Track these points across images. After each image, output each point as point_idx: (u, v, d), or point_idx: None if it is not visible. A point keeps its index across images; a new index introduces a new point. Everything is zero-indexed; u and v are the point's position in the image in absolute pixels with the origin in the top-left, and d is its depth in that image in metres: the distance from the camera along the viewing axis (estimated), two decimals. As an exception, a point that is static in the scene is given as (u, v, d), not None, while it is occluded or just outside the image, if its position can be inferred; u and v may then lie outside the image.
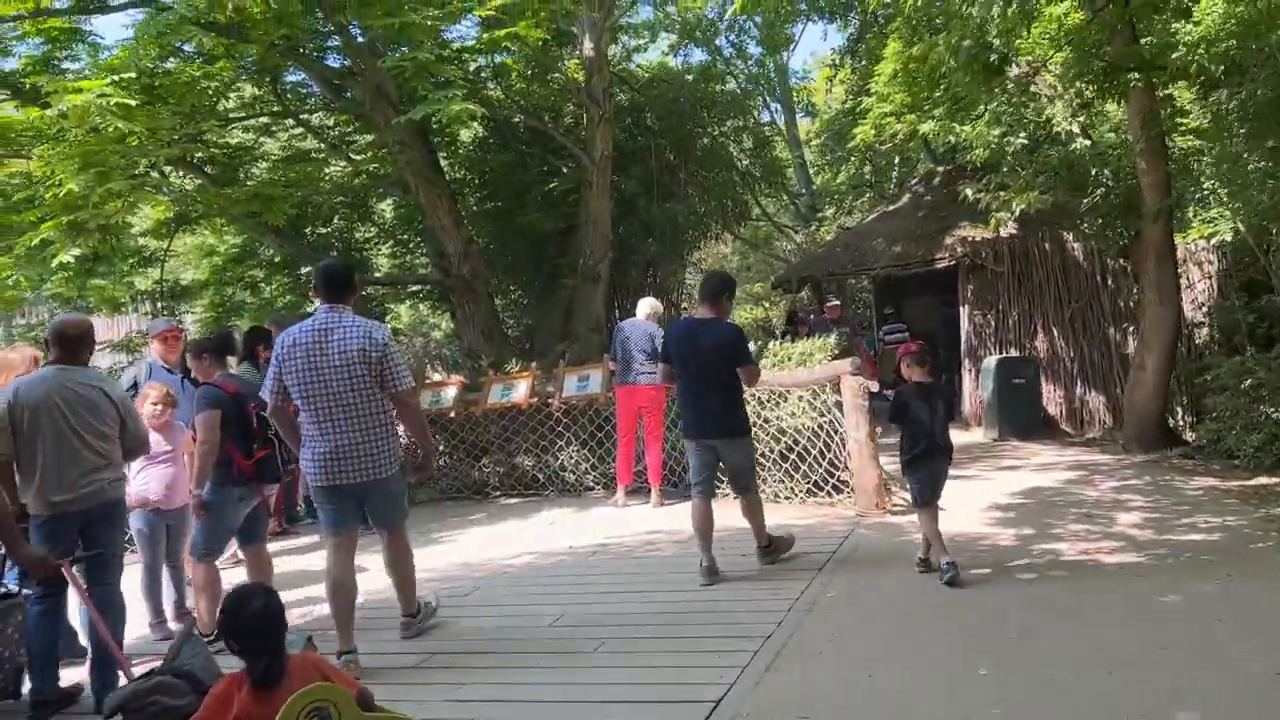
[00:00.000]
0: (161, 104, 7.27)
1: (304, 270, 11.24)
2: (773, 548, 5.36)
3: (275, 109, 10.93)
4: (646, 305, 7.61)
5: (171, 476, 5.06)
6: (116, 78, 5.91)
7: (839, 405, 6.50)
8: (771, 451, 6.95)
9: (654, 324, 7.53)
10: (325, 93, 10.73)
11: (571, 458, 8.15)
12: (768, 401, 7.01)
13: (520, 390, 8.15)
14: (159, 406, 5.15)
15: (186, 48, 8.84)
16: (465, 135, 12.79)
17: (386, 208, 12.94)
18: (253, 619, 2.68)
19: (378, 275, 11.96)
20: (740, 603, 4.68)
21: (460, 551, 6.43)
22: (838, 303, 10.82)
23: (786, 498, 6.94)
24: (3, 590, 4.23)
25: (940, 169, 13.75)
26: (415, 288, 11.99)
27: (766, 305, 22.07)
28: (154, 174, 7.36)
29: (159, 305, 11.61)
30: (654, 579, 5.28)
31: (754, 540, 5.35)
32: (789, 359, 7.27)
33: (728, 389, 5.16)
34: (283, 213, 8.03)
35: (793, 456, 6.86)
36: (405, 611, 4.62)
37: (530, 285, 12.42)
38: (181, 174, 9.88)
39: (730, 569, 5.24)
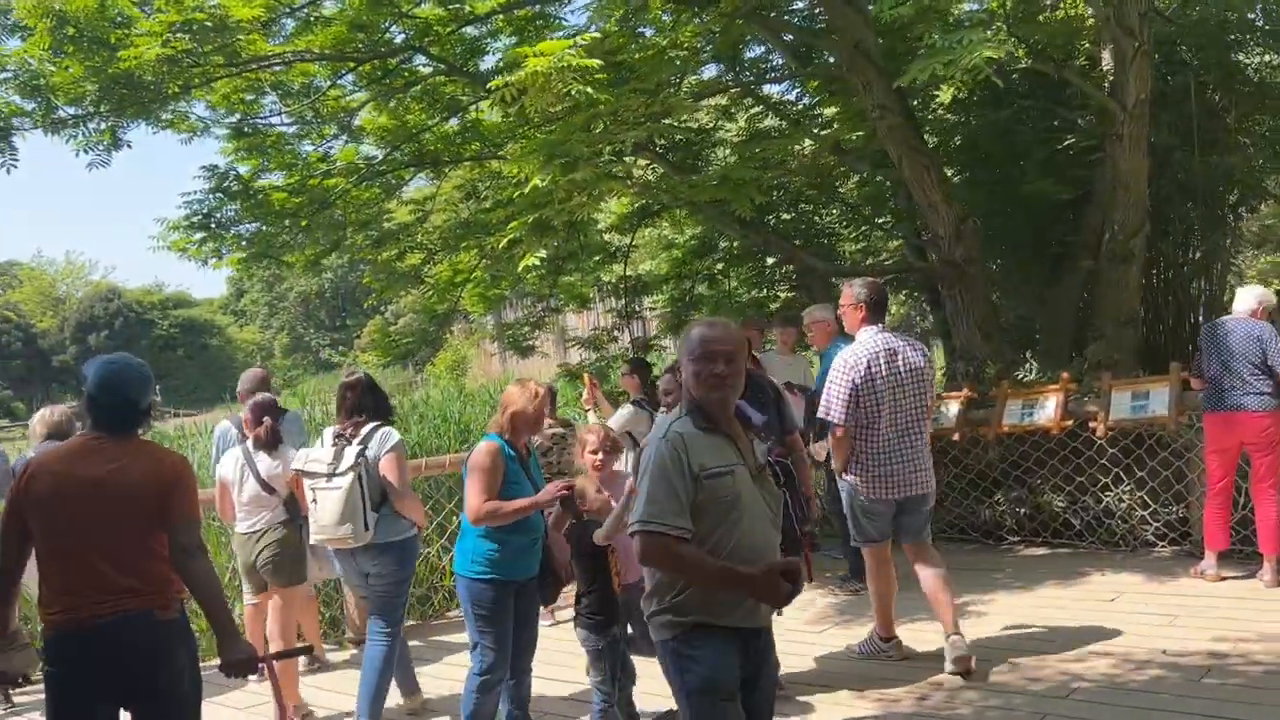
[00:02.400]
0: (624, 85, 6.49)
1: (769, 262, 10.21)
2: None
3: (734, 88, 10.02)
4: (1251, 296, 5.42)
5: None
6: (580, 40, 5.10)
7: None
8: None
9: (1264, 323, 5.31)
10: (790, 62, 9.60)
11: (1122, 500, 6.15)
12: None
13: (1048, 409, 6.29)
14: (599, 454, 4.16)
15: (647, 32, 8.17)
16: (944, 96, 11.03)
17: (849, 189, 11.55)
18: None
19: (860, 265, 10.61)
20: None
21: (985, 634, 4.82)
22: None
23: None
24: None
25: None
26: (887, 277, 10.43)
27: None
28: (618, 163, 6.62)
29: (623, 302, 11.29)
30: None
31: None
32: None
33: None
34: (751, 199, 6.92)
35: None
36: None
37: (1026, 270, 10.31)
38: (644, 164, 9.28)
39: None
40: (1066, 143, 8.80)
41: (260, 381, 5.49)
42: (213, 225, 9.08)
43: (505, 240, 6.28)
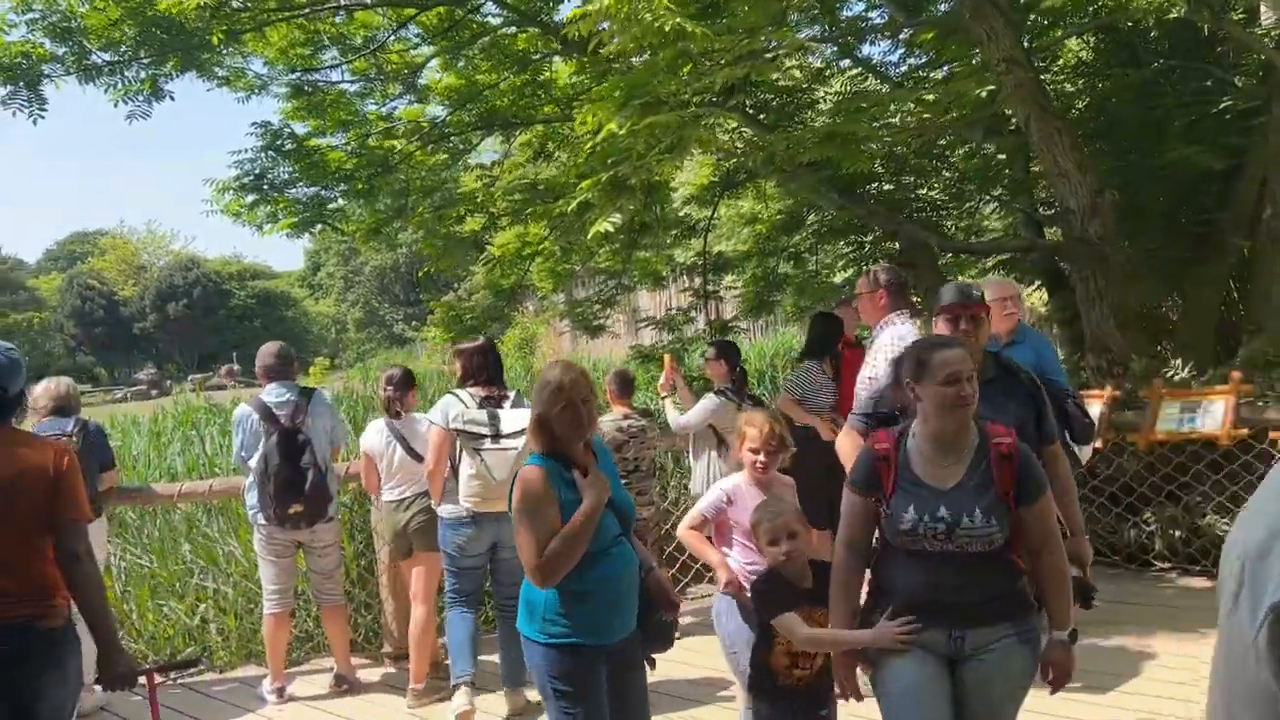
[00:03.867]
0: (714, 26, 5.61)
1: (867, 239, 9.23)
2: None
3: (837, 38, 9.05)
4: None
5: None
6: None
7: None
8: None
9: None
10: (896, 15, 8.60)
11: (1305, 527, 5.10)
12: None
13: (1214, 414, 5.28)
14: (761, 454, 3.26)
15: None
16: (1068, 56, 9.90)
17: (958, 159, 10.49)
18: None
19: (970, 242, 9.55)
20: None
21: (1152, 693, 3.88)
22: None
23: None
24: None
25: None
26: (1001, 257, 9.38)
27: None
28: (707, 114, 5.74)
29: (703, 279, 10.44)
30: None
31: None
32: None
33: None
34: (864, 159, 6.01)
35: None
36: None
37: (1159, 251, 9.17)
38: (731, 126, 8.40)
39: None
40: (1223, 105, 7.65)
41: (284, 359, 4.78)
42: (265, 187, 8.47)
43: (575, 203, 5.45)
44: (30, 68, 6.49)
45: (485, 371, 4.46)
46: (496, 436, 4.24)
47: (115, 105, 6.97)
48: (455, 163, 10.28)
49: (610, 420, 5.30)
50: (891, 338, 4.09)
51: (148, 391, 36.18)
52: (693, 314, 11.17)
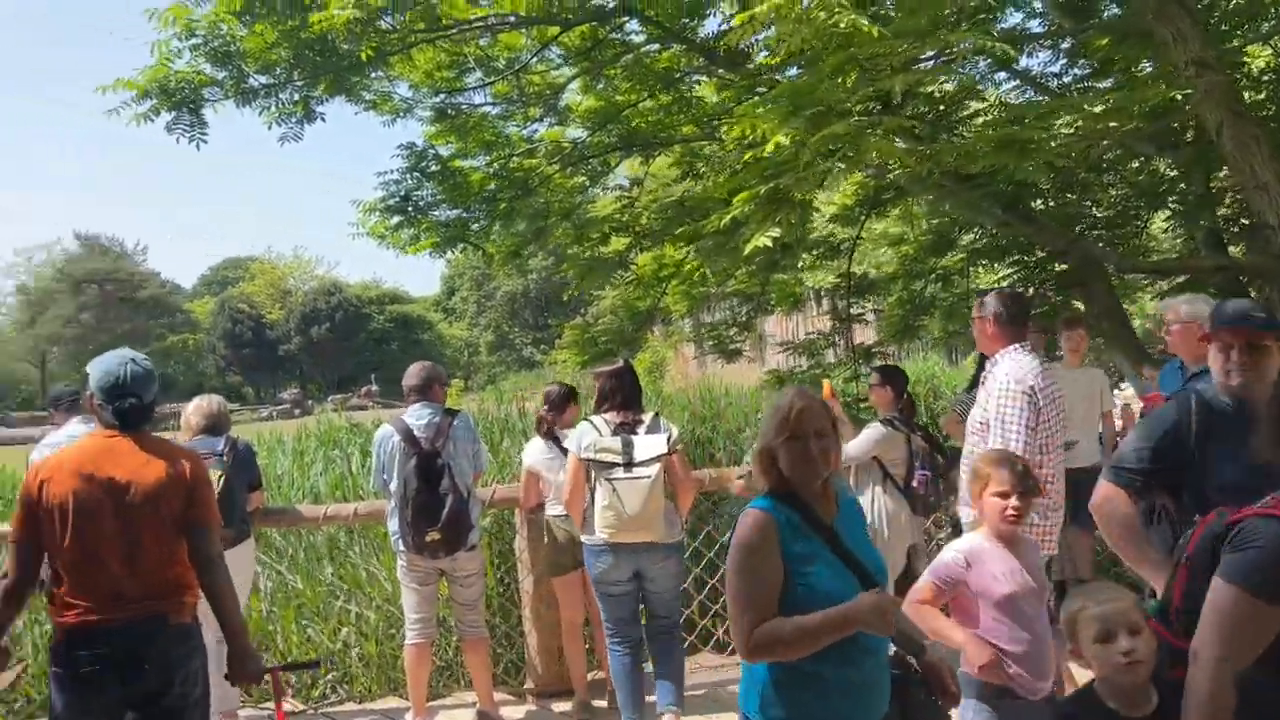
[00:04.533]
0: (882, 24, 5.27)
1: (1031, 259, 8.65)
2: None
3: (987, 60, 8.55)
4: None
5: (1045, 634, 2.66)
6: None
7: None
8: None
9: None
10: (1061, 20, 8.07)
11: None
12: None
13: None
14: (1012, 498, 2.70)
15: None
16: (1256, 61, 9.11)
17: (1130, 173, 9.78)
18: None
19: (1141, 260, 8.87)
20: None
21: None
22: None
23: None
24: None
25: None
26: (1178, 279, 8.64)
27: None
28: (878, 121, 5.37)
29: (846, 302, 10.01)
30: None
31: None
32: None
33: None
34: (1038, 170, 5.54)
35: None
36: None
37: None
38: (883, 135, 8.00)
39: None
40: None
41: (426, 379, 4.64)
42: (409, 209, 8.53)
43: (729, 216, 5.18)
44: (193, 93, 6.65)
45: (620, 394, 4.36)
46: (629, 465, 4.14)
47: (269, 127, 7.10)
48: (593, 184, 10.19)
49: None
50: (1007, 378, 3.74)
51: (291, 410, 37.73)
52: (834, 338, 10.75)
